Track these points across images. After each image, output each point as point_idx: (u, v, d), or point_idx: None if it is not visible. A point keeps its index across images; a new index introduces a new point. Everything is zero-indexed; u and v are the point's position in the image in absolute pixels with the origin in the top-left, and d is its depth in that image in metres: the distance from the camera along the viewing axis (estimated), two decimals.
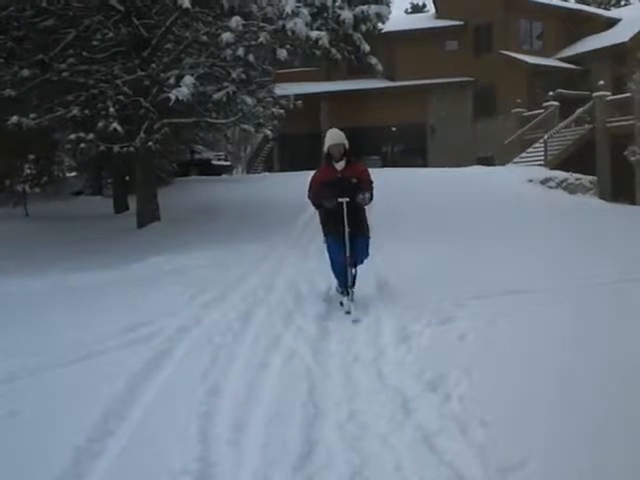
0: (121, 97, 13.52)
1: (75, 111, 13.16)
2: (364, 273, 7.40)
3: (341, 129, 7.07)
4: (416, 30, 32.44)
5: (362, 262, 7.12)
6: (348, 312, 6.45)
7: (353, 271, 6.93)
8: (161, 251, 11.10)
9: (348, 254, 6.68)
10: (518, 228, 12.23)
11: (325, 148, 6.89)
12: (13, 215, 17.79)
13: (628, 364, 4.57)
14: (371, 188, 6.88)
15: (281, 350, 5.47)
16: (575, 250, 9.61)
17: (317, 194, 6.91)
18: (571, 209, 16.30)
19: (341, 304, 6.78)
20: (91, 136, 13.30)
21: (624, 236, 11.22)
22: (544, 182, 20.46)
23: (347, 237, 6.68)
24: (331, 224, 6.90)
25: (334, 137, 6.84)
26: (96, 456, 3.67)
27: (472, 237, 11.08)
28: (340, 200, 6.67)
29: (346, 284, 6.78)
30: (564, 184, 20.73)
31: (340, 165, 6.84)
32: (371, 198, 6.85)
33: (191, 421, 4.05)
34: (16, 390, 4.75)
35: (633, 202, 21.77)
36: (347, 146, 6.87)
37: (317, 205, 7.04)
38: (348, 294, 6.72)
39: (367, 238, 7.02)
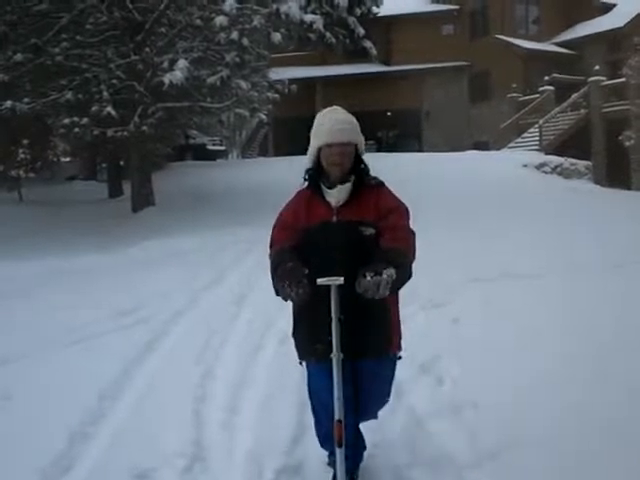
0: (115, 81, 13.47)
1: (69, 95, 13.10)
2: None
3: None
4: (412, 14, 32.20)
5: (375, 416, 3.33)
6: None
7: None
8: (156, 235, 11.09)
9: (337, 417, 2.71)
10: (513, 213, 12.22)
11: (311, 151, 3.07)
12: (7, 200, 17.72)
13: (623, 347, 4.59)
14: (410, 251, 2.87)
15: (275, 333, 5.49)
16: (570, 235, 9.62)
17: (278, 258, 2.97)
18: (566, 194, 16.27)
19: None
20: (85, 120, 13.27)
21: (619, 222, 11.22)
22: (539, 167, 20.42)
23: (338, 369, 2.77)
24: (303, 334, 3.11)
25: (332, 128, 3.02)
26: (90, 439, 3.69)
27: (467, 222, 11.06)
28: (320, 282, 2.83)
29: (334, 465, 2.81)
30: (559, 169, 20.71)
31: (340, 194, 2.96)
32: (409, 276, 2.82)
33: (185, 404, 4.08)
34: (10, 373, 4.77)
35: (628, 187, 21.75)
36: (362, 148, 3.06)
37: (275, 288, 2.96)
38: None
39: (392, 361, 3.11)
